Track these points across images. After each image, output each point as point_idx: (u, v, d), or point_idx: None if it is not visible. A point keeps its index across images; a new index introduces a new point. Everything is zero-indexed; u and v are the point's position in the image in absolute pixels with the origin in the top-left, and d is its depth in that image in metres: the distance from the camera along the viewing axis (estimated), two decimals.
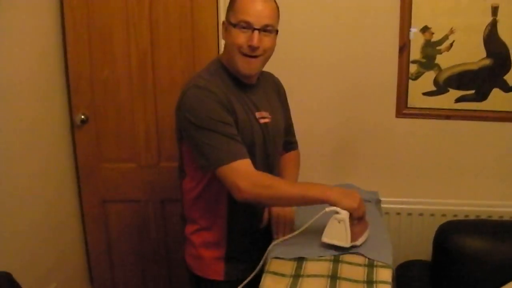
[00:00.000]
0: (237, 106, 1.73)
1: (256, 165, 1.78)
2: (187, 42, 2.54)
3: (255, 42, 1.66)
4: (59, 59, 2.55)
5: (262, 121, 1.81)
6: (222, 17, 2.47)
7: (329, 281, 1.55)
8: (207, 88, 1.67)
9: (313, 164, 2.61)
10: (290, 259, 1.68)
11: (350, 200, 1.65)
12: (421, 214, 2.52)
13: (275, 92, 1.97)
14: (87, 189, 2.71)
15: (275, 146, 1.90)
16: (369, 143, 2.57)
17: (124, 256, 2.80)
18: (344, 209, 1.63)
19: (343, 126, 2.56)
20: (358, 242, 1.71)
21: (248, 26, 1.67)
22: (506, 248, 2.13)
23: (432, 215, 2.51)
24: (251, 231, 1.88)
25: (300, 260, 1.67)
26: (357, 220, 1.70)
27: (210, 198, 1.81)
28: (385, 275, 1.60)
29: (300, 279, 1.58)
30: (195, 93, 1.67)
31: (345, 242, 1.67)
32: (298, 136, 2.54)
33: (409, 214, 2.53)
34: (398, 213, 2.53)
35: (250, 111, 1.78)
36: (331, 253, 1.70)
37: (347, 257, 1.69)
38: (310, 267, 1.64)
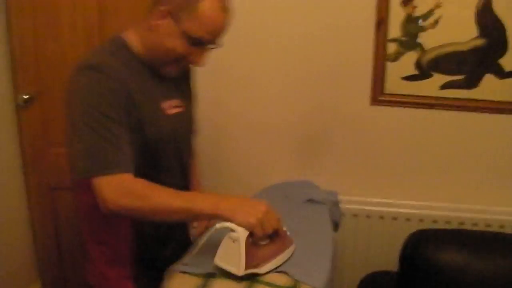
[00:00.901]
0: (139, 96, 1.43)
1: (167, 163, 1.53)
2: (139, 13, 2.25)
3: (203, 63, 1.48)
4: (0, 32, 2.31)
5: (171, 111, 1.53)
6: None
7: None
8: (102, 70, 1.37)
9: (272, 159, 2.32)
10: (197, 274, 1.41)
11: (248, 214, 1.34)
12: (394, 218, 2.18)
13: (183, 75, 1.67)
14: (33, 175, 2.48)
15: (187, 138, 1.64)
16: (338, 134, 2.23)
17: (74, 247, 2.57)
18: (239, 225, 1.33)
19: (308, 115, 2.23)
20: (261, 270, 1.40)
21: (202, 43, 1.42)
22: (485, 266, 1.81)
23: (408, 219, 2.17)
24: (164, 243, 1.61)
25: (210, 276, 1.40)
26: (267, 239, 1.40)
27: None
28: None
29: None
30: (85, 76, 1.38)
31: (237, 269, 1.35)
32: (256, 127, 2.27)
33: (381, 217, 2.19)
34: (368, 216, 2.20)
35: (155, 101, 1.49)
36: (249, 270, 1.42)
37: (269, 276, 1.40)
38: (218, 286, 1.36)
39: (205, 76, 2.26)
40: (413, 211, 2.17)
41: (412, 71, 2.11)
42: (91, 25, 2.27)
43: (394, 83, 2.13)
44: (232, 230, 1.34)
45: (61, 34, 2.30)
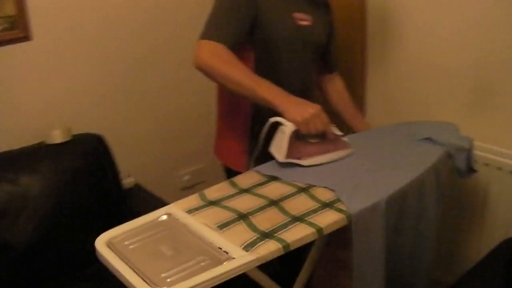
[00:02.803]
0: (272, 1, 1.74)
1: (286, 65, 1.79)
2: None
3: None
4: None
5: (300, 22, 1.79)
6: None
7: (263, 204, 1.51)
8: None
9: (431, 102, 2.28)
10: (264, 175, 1.67)
11: (298, 112, 1.55)
12: None
13: (322, 4, 1.92)
14: None
15: (312, 53, 1.88)
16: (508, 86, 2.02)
17: None
18: (288, 120, 1.57)
19: (479, 61, 2.07)
20: (303, 162, 1.64)
21: None
22: None
23: None
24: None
25: (273, 178, 1.66)
26: (316, 138, 1.62)
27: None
28: (325, 218, 1.44)
29: (243, 194, 1.58)
30: None
31: (279, 155, 1.63)
32: (422, 68, 2.26)
33: None
34: (500, 168, 2.01)
35: (287, 10, 1.78)
36: (307, 181, 1.61)
37: (316, 190, 1.58)
38: (272, 187, 1.61)
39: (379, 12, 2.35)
40: None
41: None
42: None
43: None
44: (282, 124, 1.59)
45: None
